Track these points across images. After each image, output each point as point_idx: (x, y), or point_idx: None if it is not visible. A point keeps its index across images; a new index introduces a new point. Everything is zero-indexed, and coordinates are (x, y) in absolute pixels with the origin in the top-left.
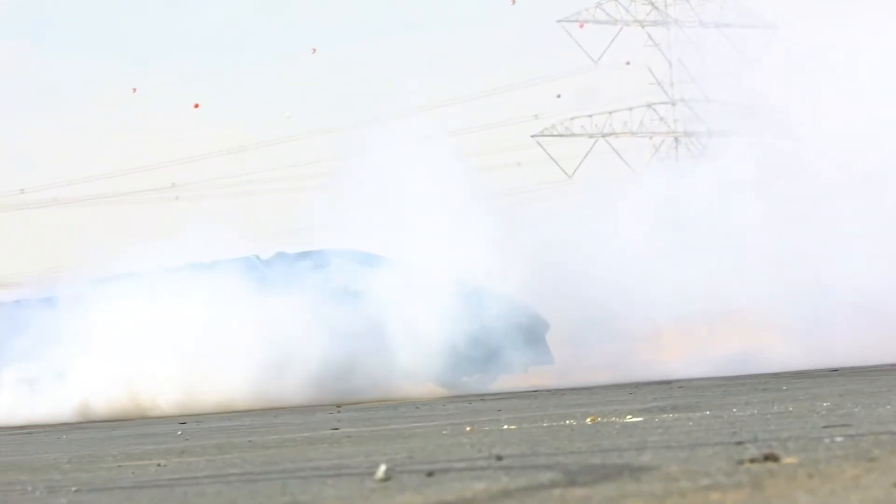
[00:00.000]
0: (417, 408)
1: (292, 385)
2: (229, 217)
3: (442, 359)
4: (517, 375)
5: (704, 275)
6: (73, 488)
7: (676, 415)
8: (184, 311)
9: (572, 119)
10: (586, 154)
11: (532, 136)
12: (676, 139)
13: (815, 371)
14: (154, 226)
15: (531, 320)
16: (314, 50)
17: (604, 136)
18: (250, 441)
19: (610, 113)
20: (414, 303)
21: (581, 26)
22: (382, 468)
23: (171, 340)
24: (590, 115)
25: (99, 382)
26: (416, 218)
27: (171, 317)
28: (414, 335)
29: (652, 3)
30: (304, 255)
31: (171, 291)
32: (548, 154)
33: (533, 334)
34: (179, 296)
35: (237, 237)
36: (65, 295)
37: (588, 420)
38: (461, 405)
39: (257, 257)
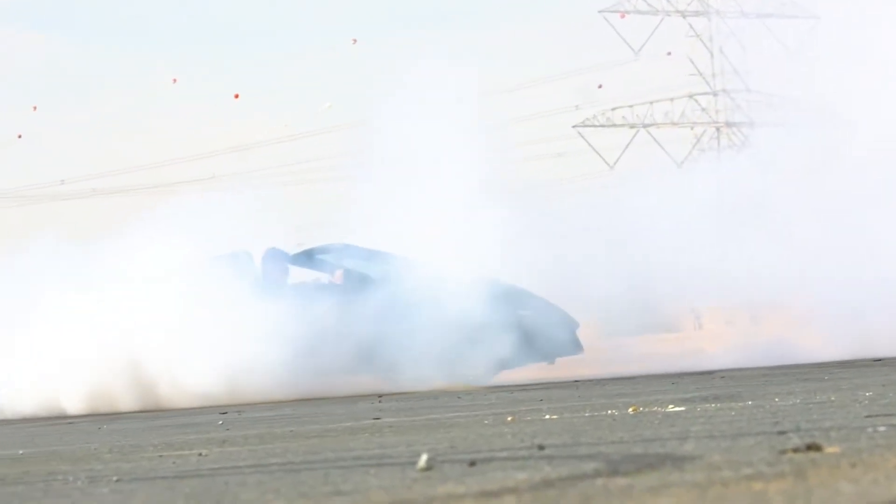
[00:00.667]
0: (459, 398)
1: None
2: (264, 208)
3: (459, 351)
4: (545, 366)
5: (747, 264)
6: (115, 478)
7: (718, 404)
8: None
9: (614, 109)
10: (627, 144)
11: (573, 127)
12: (718, 129)
13: (858, 361)
14: (189, 217)
15: (559, 317)
16: (355, 40)
17: (645, 126)
18: (291, 431)
19: (651, 103)
20: (437, 296)
21: (622, 17)
22: (424, 458)
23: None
24: (631, 106)
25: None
26: (447, 211)
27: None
28: (437, 326)
29: None
30: (325, 249)
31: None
32: (589, 144)
33: (561, 328)
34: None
35: (266, 229)
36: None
37: (630, 410)
38: (502, 395)
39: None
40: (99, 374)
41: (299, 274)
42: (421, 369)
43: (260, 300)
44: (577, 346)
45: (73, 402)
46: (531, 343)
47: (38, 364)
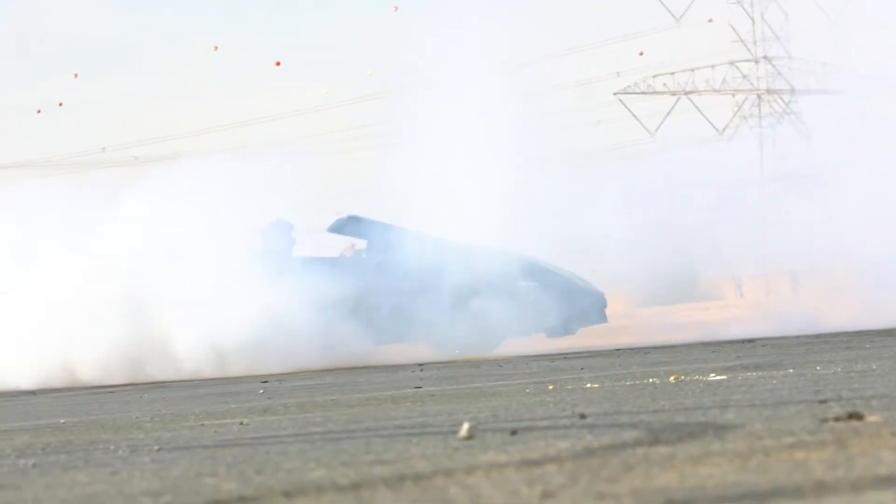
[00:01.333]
0: (500, 366)
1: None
2: (296, 178)
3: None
4: (567, 337)
5: (788, 232)
6: (156, 447)
7: (760, 373)
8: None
9: (654, 77)
10: (668, 112)
11: (614, 94)
12: (759, 97)
13: None
14: (220, 186)
15: (577, 288)
16: (396, 8)
17: (686, 93)
18: (333, 400)
19: (692, 70)
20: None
21: None
22: (466, 426)
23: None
24: (672, 73)
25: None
26: (482, 182)
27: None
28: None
29: None
30: (352, 221)
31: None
32: (630, 112)
33: (576, 299)
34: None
35: (300, 199)
36: None
37: (671, 378)
38: (543, 363)
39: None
40: (127, 343)
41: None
42: (417, 339)
43: (270, 273)
44: (597, 317)
45: (95, 370)
46: (537, 313)
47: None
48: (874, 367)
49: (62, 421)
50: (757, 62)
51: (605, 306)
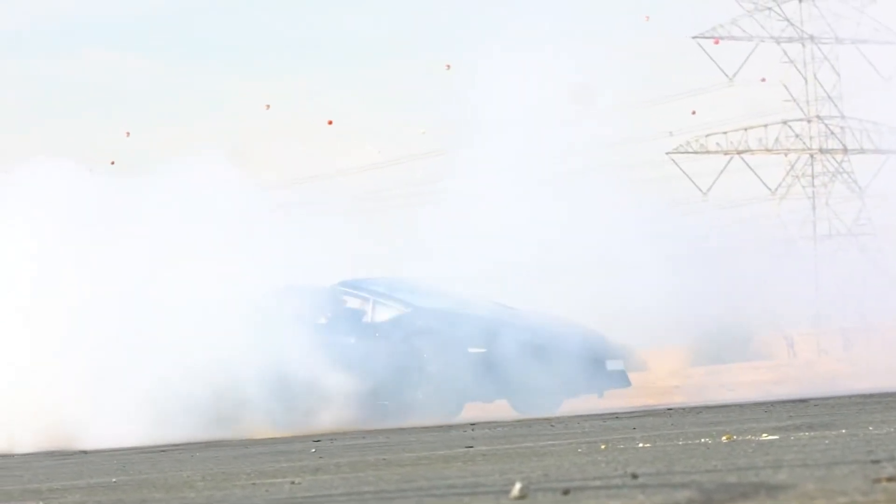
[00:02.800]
0: (552, 426)
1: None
2: (336, 237)
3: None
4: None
5: (840, 290)
6: None
7: (812, 433)
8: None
9: (707, 136)
10: (721, 171)
11: (667, 154)
12: (812, 156)
13: None
14: (271, 242)
15: (597, 348)
16: (448, 66)
17: (739, 152)
18: (384, 459)
19: (745, 129)
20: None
21: (716, 42)
22: (518, 486)
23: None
24: (724, 132)
25: None
26: (530, 242)
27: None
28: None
29: (787, 20)
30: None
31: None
32: (682, 171)
33: (601, 362)
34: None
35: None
36: None
37: (724, 438)
38: (595, 423)
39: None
40: (165, 399)
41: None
42: (423, 405)
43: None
44: (611, 380)
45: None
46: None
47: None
48: None
49: (114, 480)
50: (809, 122)
51: (624, 370)
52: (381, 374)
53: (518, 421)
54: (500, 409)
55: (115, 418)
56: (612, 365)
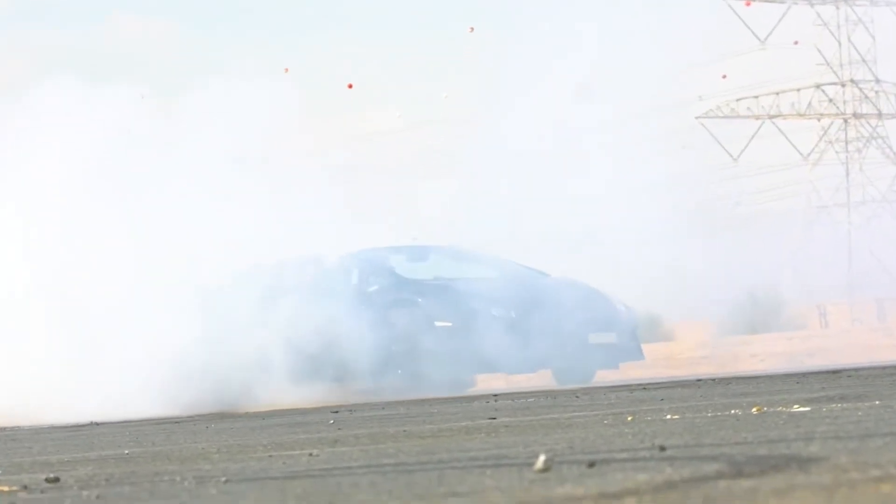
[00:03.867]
0: (577, 397)
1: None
2: (367, 204)
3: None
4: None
5: (876, 259)
6: (223, 479)
7: (845, 404)
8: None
9: (738, 100)
10: (752, 136)
11: (696, 118)
12: (846, 121)
13: None
14: (292, 211)
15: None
16: (472, 29)
17: (770, 117)
18: (405, 431)
19: (777, 94)
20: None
21: (748, 4)
22: (542, 458)
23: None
24: (756, 97)
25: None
26: (558, 211)
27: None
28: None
29: None
30: (398, 250)
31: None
32: (713, 136)
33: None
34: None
35: (367, 226)
36: None
37: (754, 410)
38: (622, 394)
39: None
40: (176, 371)
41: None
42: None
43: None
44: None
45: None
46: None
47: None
48: None
49: (126, 452)
50: (843, 86)
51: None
52: (397, 346)
53: (543, 392)
54: (525, 381)
55: (131, 388)
56: (597, 339)
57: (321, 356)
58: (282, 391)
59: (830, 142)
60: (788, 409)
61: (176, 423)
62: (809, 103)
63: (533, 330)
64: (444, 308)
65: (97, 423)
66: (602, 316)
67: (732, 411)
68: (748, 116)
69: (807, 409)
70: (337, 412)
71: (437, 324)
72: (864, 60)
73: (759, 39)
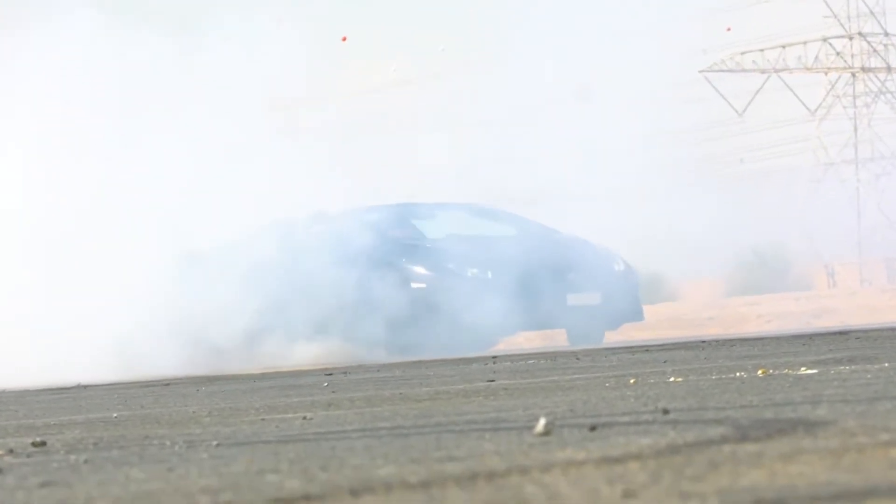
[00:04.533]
0: (578, 359)
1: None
2: (360, 161)
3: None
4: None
5: (885, 217)
6: (214, 442)
7: (853, 367)
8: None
9: (743, 54)
10: (757, 91)
11: (700, 72)
12: (853, 75)
13: None
14: (277, 170)
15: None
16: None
17: (776, 71)
18: (401, 393)
19: (783, 47)
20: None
21: None
22: (542, 422)
23: None
24: (761, 50)
25: None
26: (557, 165)
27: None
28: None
29: None
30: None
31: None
32: (717, 91)
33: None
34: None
35: (366, 184)
36: None
37: (759, 372)
38: (624, 356)
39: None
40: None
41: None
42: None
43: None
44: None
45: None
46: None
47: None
48: None
49: (115, 415)
50: (851, 39)
51: (638, 297)
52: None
53: (541, 353)
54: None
55: (158, 346)
56: (576, 300)
57: (328, 315)
58: (289, 351)
59: (838, 96)
60: (795, 372)
61: (165, 385)
62: (816, 57)
63: (508, 290)
64: (421, 267)
65: (84, 386)
66: (588, 276)
67: (737, 374)
68: (753, 70)
69: (814, 371)
70: (331, 374)
71: (413, 284)
72: (872, 13)
73: None
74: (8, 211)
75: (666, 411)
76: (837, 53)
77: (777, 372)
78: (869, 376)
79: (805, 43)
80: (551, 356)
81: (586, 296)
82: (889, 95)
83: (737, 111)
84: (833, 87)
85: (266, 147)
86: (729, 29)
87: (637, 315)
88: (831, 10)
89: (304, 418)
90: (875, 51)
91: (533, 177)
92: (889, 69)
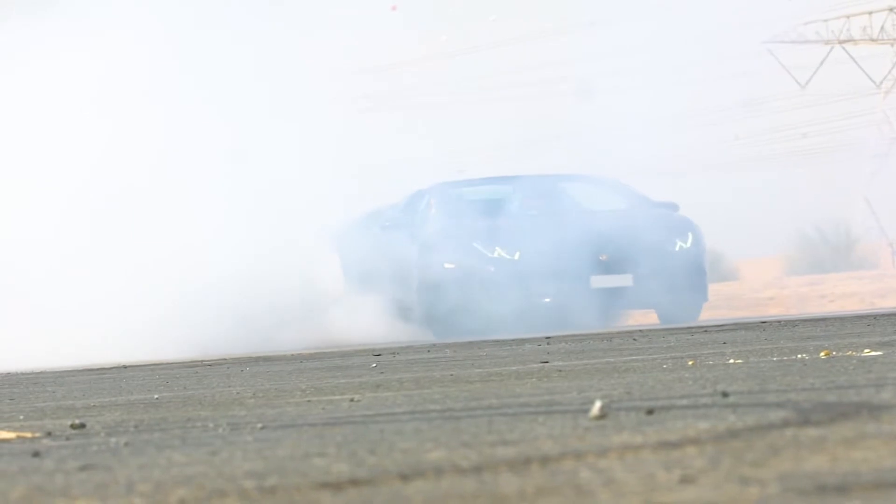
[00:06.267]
0: (634, 339)
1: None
2: (429, 132)
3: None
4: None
5: None
6: (259, 425)
7: None
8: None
9: (806, 24)
10: (821, 63)
11: (762, 43)
12: None
13: None
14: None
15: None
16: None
17: (841, 42)
18: (451, 375)
19: (847, 17)
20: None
21: None
22: (598, 405)
23: None
24: (825, 21)
25: None
26: (613, 136)
27: None
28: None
29: None
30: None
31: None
32: (779, 62)
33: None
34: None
35: (435, 154)
36: None
37: (822, 354)
38: (682, 337)
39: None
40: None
41: None
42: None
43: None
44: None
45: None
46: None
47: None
48: None
49: (156, 396)
50: None
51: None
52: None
53: (597, 334)
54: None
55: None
56: (599, 282)
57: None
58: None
59: None
60: (859, 354)
61: (209, 366)
62: (882, 27)
63: (528, 272)
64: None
65: (125, 367)
66: (622, 256)
67: (799, 356)
68: (817, 41)
69: (878, 353)
70: (379, 355)
71: (446, 265)
72: None
73: None
74: (46, 188)
75: (725, 394)
76: None
77: (840, 354)
78: None
79: (871, 13)
80: (606, 337)
81: (612, 278)
82: None
83: (799, 84)
84: None
85: (351, 123)
86: None
87: (697, 297)
88: None
89: (352, 400)
90: None
91: (594, 149)
92: None
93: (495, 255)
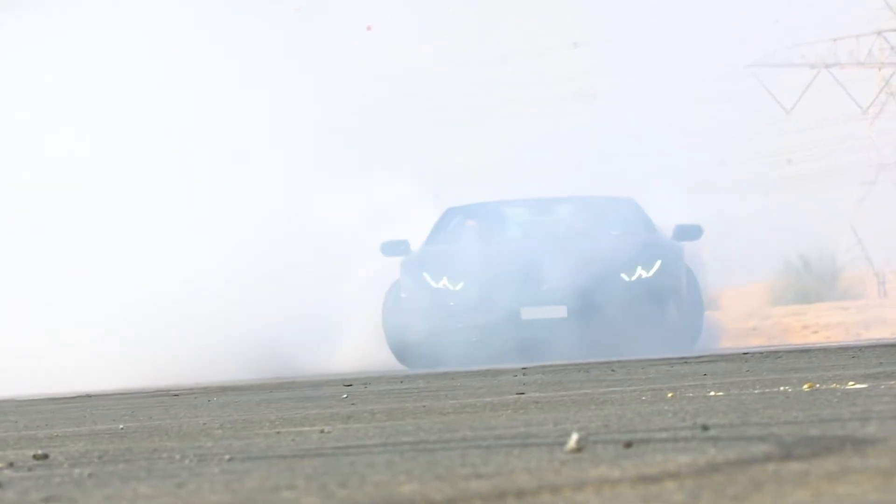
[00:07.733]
0: (613, 370)
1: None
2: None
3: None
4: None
5: None
6: (227, 456)
7: None
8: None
9: (792, 47)
10: (807, 87)
11: (746, 67)
12: None
13: None
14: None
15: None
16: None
17: (827, 66)
18: (424, 406)
19: (834, 41)
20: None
21: None
22: (574, 437)
23: None
24: (811, 43)
25: None
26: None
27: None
28: None
29: None
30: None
31: None
32: (764, 87)
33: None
34: None
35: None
36: None
37: (805, 386)
38: (661, 368)
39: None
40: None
41: None
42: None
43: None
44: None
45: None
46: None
47: None
48: None
49: (121, 426)
50: None
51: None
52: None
53: (575, 365)
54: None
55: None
56: (528, 314)
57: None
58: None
59: (892, 93)
60: (843, 386)
61: (175, 395)
62: (869, 51)
63: (464, 304)
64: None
65: (89, 396)
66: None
67: (782, 388)
68: (802, 65)
69: (863, 385)
70: (350, 385)
71: (402, 295)
72: None
73: None
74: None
75: (706, 427)
76: (892, 48)
77: (824, 386)
78: None
79: (858, 36)
80: (584, 368)
81: (539, 309)
82: None
83: (784, 108)
84: (887, 83)
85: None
86: (777, 20)
87: (649, 328)
88: (886, 1)
89: (322, 431)
90: None
91: (577, 170)
92: None
93: (440, 285)
